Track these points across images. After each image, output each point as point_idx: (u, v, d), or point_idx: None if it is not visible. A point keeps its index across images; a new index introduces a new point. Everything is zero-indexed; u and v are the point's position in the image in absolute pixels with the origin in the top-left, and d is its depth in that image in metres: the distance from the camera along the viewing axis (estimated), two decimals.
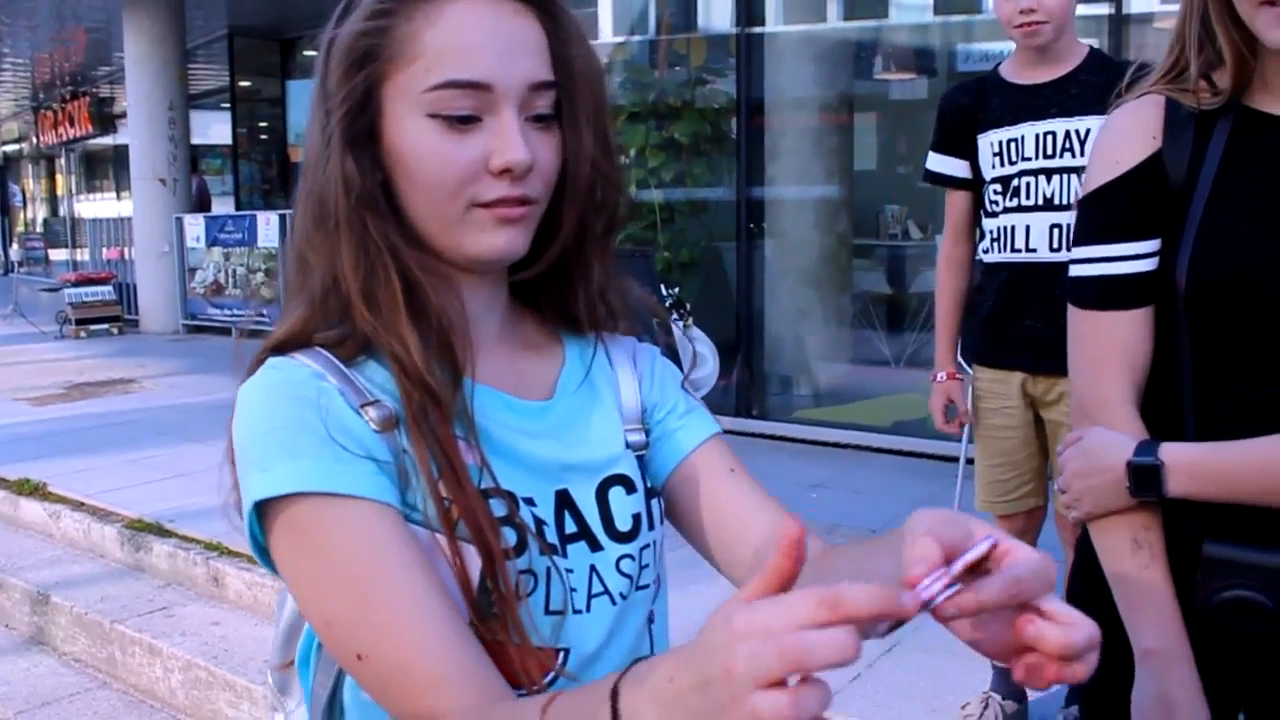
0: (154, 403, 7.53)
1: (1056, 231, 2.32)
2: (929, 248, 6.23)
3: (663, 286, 5.24)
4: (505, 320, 1.03)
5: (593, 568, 0.95)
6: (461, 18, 0.91)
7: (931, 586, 0.60)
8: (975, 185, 2.48)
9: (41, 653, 4.10)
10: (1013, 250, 2.38)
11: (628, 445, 1.02)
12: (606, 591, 0.95)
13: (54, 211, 23.66)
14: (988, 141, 2.40)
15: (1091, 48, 2.40)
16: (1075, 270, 1.29)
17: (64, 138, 20.40)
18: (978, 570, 0.63)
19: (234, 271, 10.96)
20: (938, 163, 2.55)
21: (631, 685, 0.64)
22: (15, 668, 3.97)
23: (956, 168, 2.50)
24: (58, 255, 20.58)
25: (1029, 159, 2.34)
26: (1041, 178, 2.32)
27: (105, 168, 20.80)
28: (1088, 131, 2.28)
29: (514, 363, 1.01)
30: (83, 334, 11.40)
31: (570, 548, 0.95)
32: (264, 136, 15.27)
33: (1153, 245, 1.23)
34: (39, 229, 23.39)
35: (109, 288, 11.88)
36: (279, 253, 10.50)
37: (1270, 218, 1.17)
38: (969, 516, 0.67)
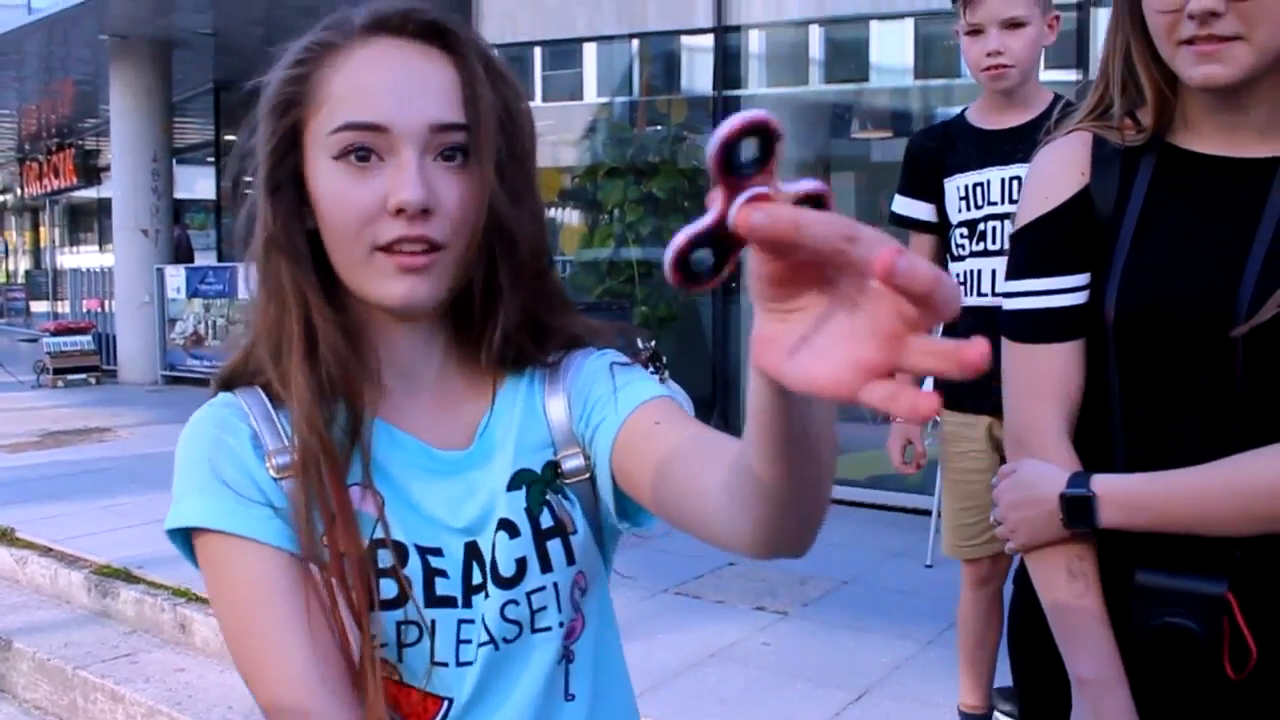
0: (128, 451, 7.48)
1: None
2: None
3: (639, 340, 5.27)
4: (443, 365, 1.03)
5: (482, 618, 0.97)
6: (365, 62, 0.94)
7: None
8: (940, 229, 2.51)
9: (1, 700, 4.03)
10: (979, 294, 2.41)
11: (560, 473, 1.01)
12: (493, 642, 0.97)
13: (36, 263, 23.63)
14: (954, 185, 2.44)
15: (1056, 94, 2.44)
16: (1008, 304, 1.31)
17: (49, 189, 20.44)
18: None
19: (214, 323, 10.95)
20: (904, 205, 2.58)
21: None
22: None
23: (922, 211, 2.54)
24: (39, 307, 20.53)
25: (995, 203, 2.37)
26: (1007, 222, 2.36)
27: (89, 220, 20.84)
28: None
29: (442, 410, 1.02)
30: (60, 383, 11.34)
31: (475, 598, 0.97)
32: (249, 191, 15.32)
33: (1083, 279, 1.25)
34: (20, 280, 23.34)
35: (88, 337, 11.84)
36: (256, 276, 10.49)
37: (1192, 252, 1.19)
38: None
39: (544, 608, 0.98)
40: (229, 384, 1.01)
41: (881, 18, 6.39)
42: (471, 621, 0.97)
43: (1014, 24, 2.32)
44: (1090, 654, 1.20)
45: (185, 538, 0.95)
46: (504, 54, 6.84)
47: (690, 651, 3.53)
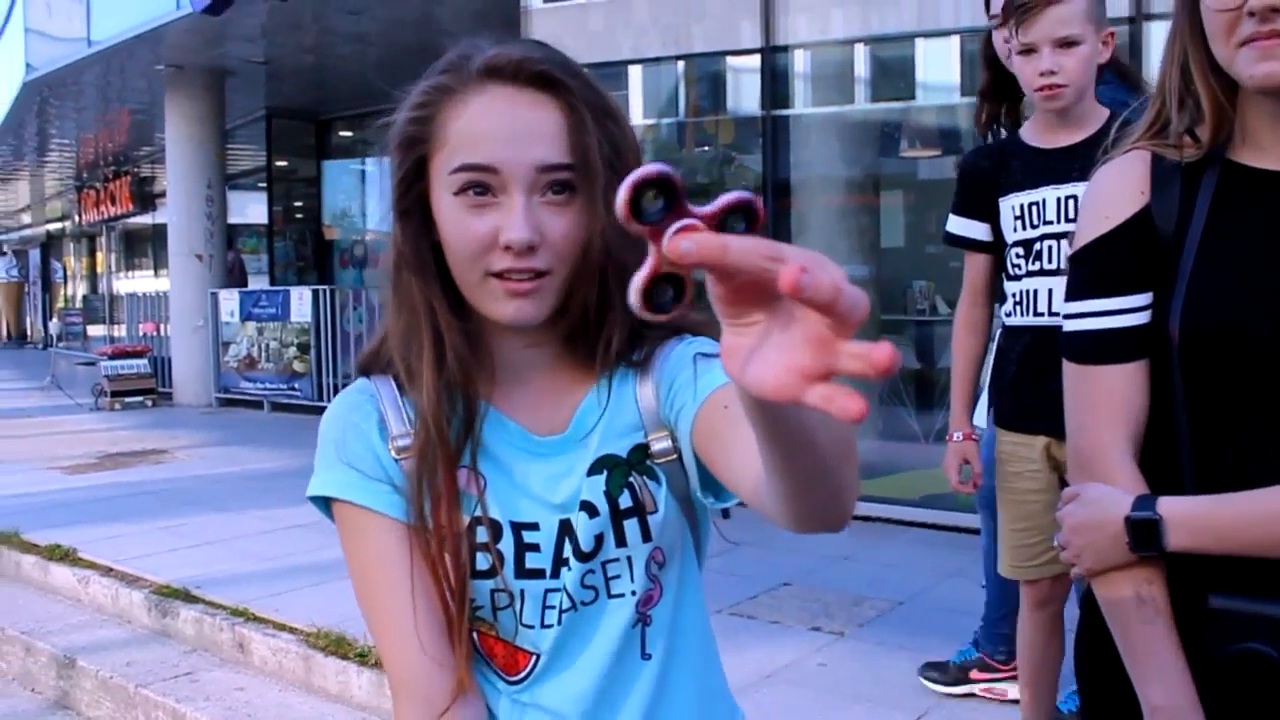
0: (185, 473, 7.60)
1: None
2: None
3: None
4: (551, 364, 1.14)
5: (564, 587, 1.10)
6: (480, 108, 1.04)
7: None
8: (995, 248, 2.50)
9: (66, 717, 4.10)
10: (1035, 314, 2.39)
11: (651, 455, 1.11)
12: (574, 605, 1.10)
13: (93, 288, 24.06)
14: (1009, 205, 2.43)
15: (1112, 111, 2.42)
16: (1069, 325, 1.29)
17: (105, 216, 20.81)
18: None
19: (267, 346, 11.10)
20: (958, 225, 2.57)
21: None
22: None
23: (977, 230, 2.52)
24: (95, 331, 20.89)
25: (1050, 222, 2.36)
26: (1064, 241, 2.33)
27: (144, 245, 21.17)
28: None
29: (546, 400, 1.14)
30: (117, 406, 11.54)
31: (562, 569, 1.10)
32: (299, 215, 15.55)
33: (1145, 299, 1.24)
34: (78, 305, 23.77)
35: (144, 361, 12.05)
36: (311, 328, 10.64)
37: (1259, 269, 1.18)
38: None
39: (618, 576, 1.11)
40: (366, 370, 1.17)
41: (927, 35, 6.37)
42: (557, 590, 1.10)
43: (1068, 43, 2.29)
44: (1162, 681, 1.18)
45: (325, 503, 1.13)
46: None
47: (746, 672, 3.52)
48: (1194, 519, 1.16)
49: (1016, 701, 2.96)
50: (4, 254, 27.66)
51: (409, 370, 1.10)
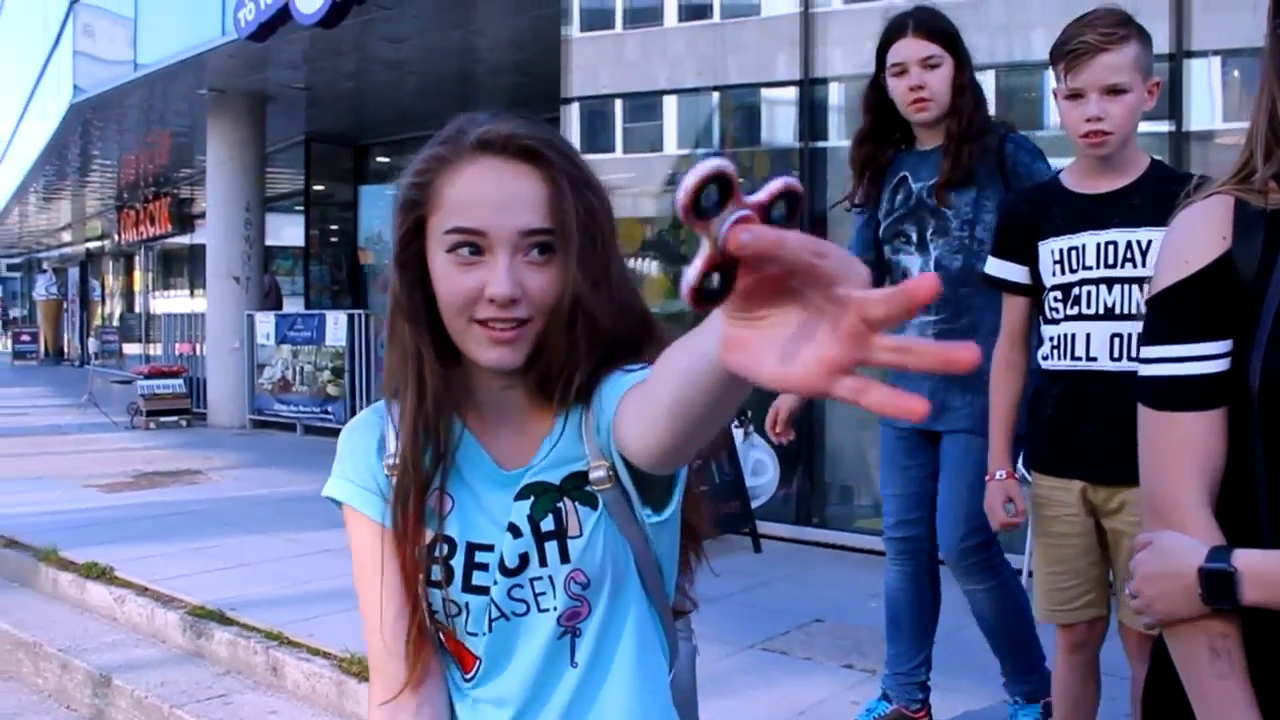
0: (219, 494, 7.67)
1: (1117, 341, 2.33)
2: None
3: None
4: (522, 403, 1.28)
5: (491, 598, 1.25)
6: (472, 177, 1.19)
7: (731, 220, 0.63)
8: (1034, 291, 2.51)
9: None
10: (1073, 358, 2.40)
11: (589, 482, 1.23)
12: (504, 615, 1.25)
13: (129, 307, 24.34)
14: (1048, 249, 2.44)
15: (1154, 159, 2.43)
16: (1145, 370, 1.28)
17: (144, 236, 21.09)
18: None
19: (301, 369, 11.19)
20: (997, 267, 2.58)
21: None
22: None
23: (1016, 273, 2.54)
24: (131, 349, 21.11)
25: (1090, 268, 2.36)
26: (1103, 287, 2.34)
27: (180, 266, 21.41)
28: (1149, 243, 2.29)
29: (518, 434, 1.29)
30: (152, 425, 11.66)
31: (494, 586, 1.25)
32: (334, 239, 15.70)
33: (1224, 346, 1.22)
34: (115, 323, 24.03)
35: (180, 381, 12.18)
36: (345, 351, 10.72)
37: None
38: None
39: (544, 593, 1.24)
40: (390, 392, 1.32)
41: None
42: (491, 603, 1.25)
43: (1115, 90, 2.30)
44: None
45: (338, 503, 1.33)
46: (586, 106, 6.91)
47: (779, 710, 3.52)
48: (1270, 573, 1.13)
49: None
50: (44, 272, 28.02)
51: (401, 408, 1.26)
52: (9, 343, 28.46)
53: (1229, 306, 1.22)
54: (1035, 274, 2.49)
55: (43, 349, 26.07)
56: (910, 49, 2.91)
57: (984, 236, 2.89)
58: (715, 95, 7.19)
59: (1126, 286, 2.32)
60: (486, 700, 1.29)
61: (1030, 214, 2.49)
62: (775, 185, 0.65)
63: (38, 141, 17.51)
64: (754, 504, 5.97)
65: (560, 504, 1.24)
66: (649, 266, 8.12)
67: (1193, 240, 1.25)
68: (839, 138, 6.58)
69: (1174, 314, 1.26)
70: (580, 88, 7.56)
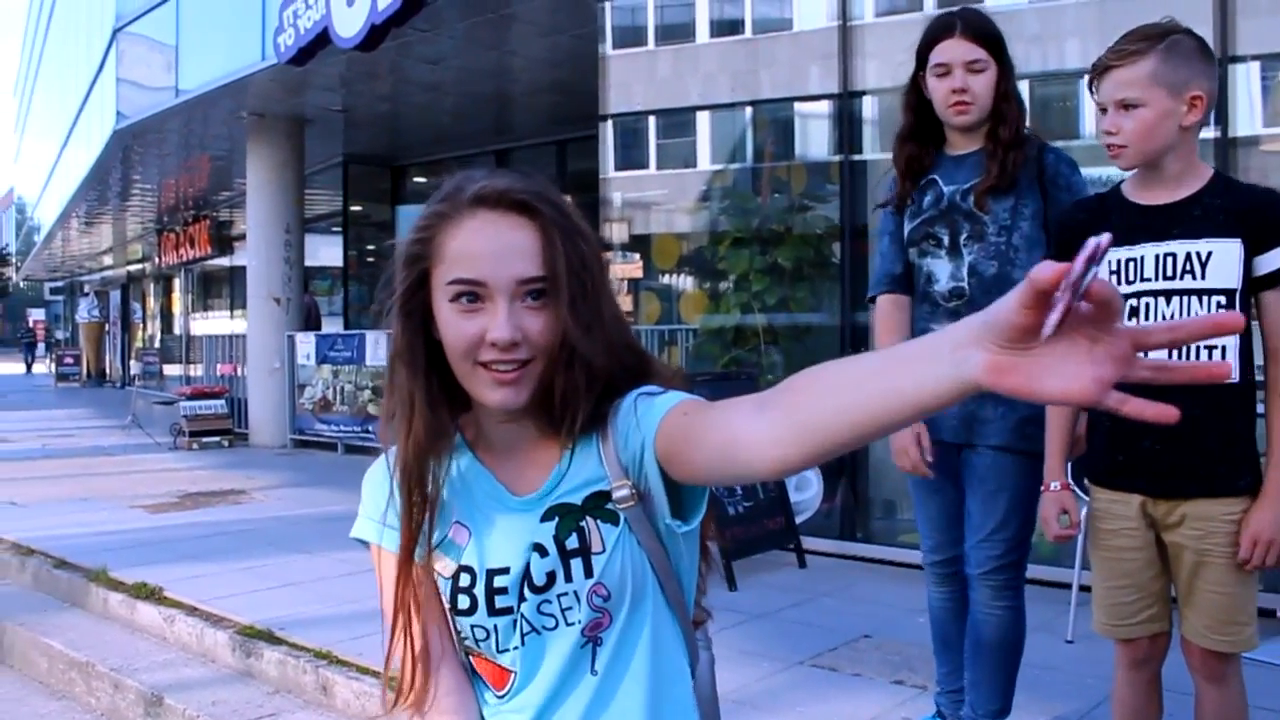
0: (264, 513, 7.72)
1: (1176, 354, 2.31)
2: None
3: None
4: (532, 435, 1.37)
5: (522, 614, 1.32)
6: (470, 231, 1.28)
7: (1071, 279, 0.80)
8: None
9: None
10: None
11: (612, 500, 1.31)
12: (535, 630, 1.32)
13: (169, 329, 24.63)
14: (1106, 260, 2.42)
15: (1215, 170, 2.41)
16: None
17: (184, 259, 21.35)
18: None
19: (342, 389, 11.27)
20: None
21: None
22: None
23: None
24: (171, 370, 21.34)
25: (1149, 280, 2.34)
26: (1161, 299, 2.32)
27: (219, 287, 21.67)
28: (1209, 254, 2.28)
29: (529, 464, 1.38)
30: (195, 445, 11.77)
31: (523, 603, 1.33)
32: (372, 259, 15.82)
33: None
34: (156, 345, 24.31)
35: (221, 402, 12.29)
36: (386, 370, 10.76)
37: None
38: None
39: (570, 607, 1.32)
40: None
41: None
42: (521, 618, 1.33)
43: (1126, 105, 2.32)
44: None
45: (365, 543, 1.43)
46: (621, 123, 6.92)
47: None
48: None
49: None
50: (86, 295, 28.43)
51: (399, 453, 1.35)
52: (53, 365, 28.83)
53: None
54: None
55: (85, 371, 26.40)
56: (956, 50, 2.86)
57: (1020, 244, 2.86)
58: (750, 110, 7.20)
59: (1186, 298, 2.30)
60: (517, 713, 1.36)
61: (1088, 223, 2.48)
62: (1096, 243, 0.82)
63: (81, 168, 17.79)
64: (798, 519, 5.95)
65: (583, 523, 1.33)
66: (684, 282, 8.12)
67: None
68: (878, 150, 6.57)
69: None
70: (615, 105, 7.60)
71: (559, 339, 1.28)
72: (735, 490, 5.44)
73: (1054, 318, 0.81)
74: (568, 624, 1.32)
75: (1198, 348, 2.27)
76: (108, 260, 30.57)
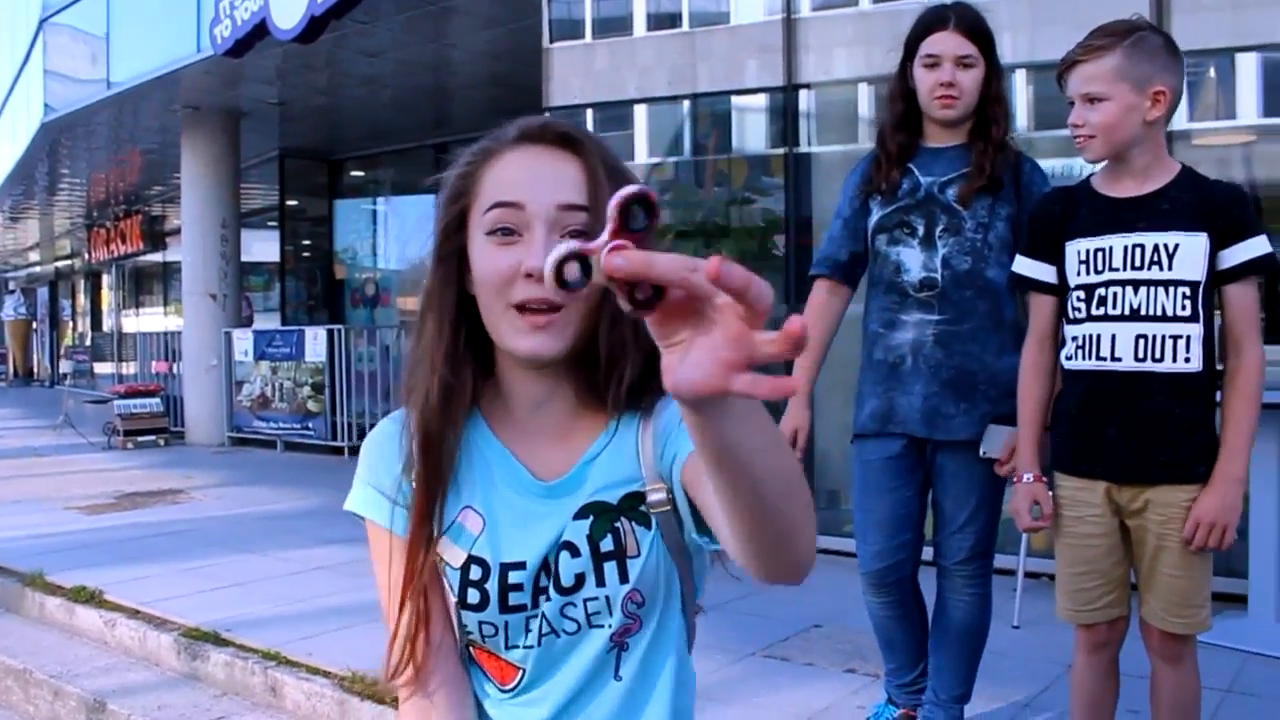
0: (204, 513, 7.59)
1: (1142, 342, 2.35)
2: None
3: None
4: (565, 408, 1.27)
5: (543, 614, 1.24)
6: (512, 160, 1.22)
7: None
8: (1061, 291, 2.53)
9: None
10: (1097, 358, 2.41)
11: (646, 503, 1.22)
12: (554, 632, 1.24)
13: (100, 326, 24.13)
14: (1074, 249, 2.46)
15: (1184, 165, 2.46)
16: None
17: (115, 254, 20.91)
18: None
19: (281, 385, 11.11)
20: (1025, 266, 2.59)
21: None
22: None
23: (1044, 272, 2.55)
24: (102, 369, 20.91)
25: (1116, 269, 2.38)
26: (1129, 288, 2.36)
27: (150, 283, 21.26)
28: (1176, 246, 2.33)
29: (557, 443, 1.27)
30: (130, 445, 11.54)
31: (540, 599, 1.24)
32: (306, 254, 15.62)
33: None
34: (87, 343, 23.81)
35: (157, 400, 12.06)
36: (325, 367, 10.65)
37: None
38: None
39: (598, 612, 1.24)
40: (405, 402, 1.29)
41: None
42: (536, 617, 1.24)
43: (1091, 99, 2.37)
44: None
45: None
46: (562, 114, 6.87)
47: (785, 714, 3.51)
48: None
49: None
50: (12, 291, 27.74)
51: (416, 413, 1.25)
52: None
53: None
54: (1062, 274, 2.51)
55: (11, 370, 25.78)
56: (948, 43, 2.86)
57: (994, 243, 2.88)
58: (693, 103, 7.20)
59: (1152, 289, 2.35)
60: (528, 712, 1.28)
61: (1059, 214, 2.52)
62: (625, 191, 0.75)
63: (6, 162, 17.33)
64: None
65: (619, 524, 1.23)
66: None
67: None
68: (823, 143, 6.61)
69: None
70: (557, 98, 7.55)
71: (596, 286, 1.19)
72: None
73: (548, 263, 0.79)
74: (592, 627, 1.25)
75: (1163, 338, 2.33)
76: (34, 256, 29.84)
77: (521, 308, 1.17)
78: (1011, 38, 5.87)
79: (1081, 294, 2.44)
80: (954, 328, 2.89)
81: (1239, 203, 2.40)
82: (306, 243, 15.68)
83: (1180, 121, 5.25)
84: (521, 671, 1.27)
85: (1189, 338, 2.32)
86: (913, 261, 2.94)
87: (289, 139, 13.77)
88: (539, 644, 1.25)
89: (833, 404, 6.33)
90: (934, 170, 2.94)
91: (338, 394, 10.65)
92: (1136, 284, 2.36)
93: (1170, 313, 2.33)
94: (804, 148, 6.43)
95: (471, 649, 1.31)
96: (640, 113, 7.62)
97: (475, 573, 1.24)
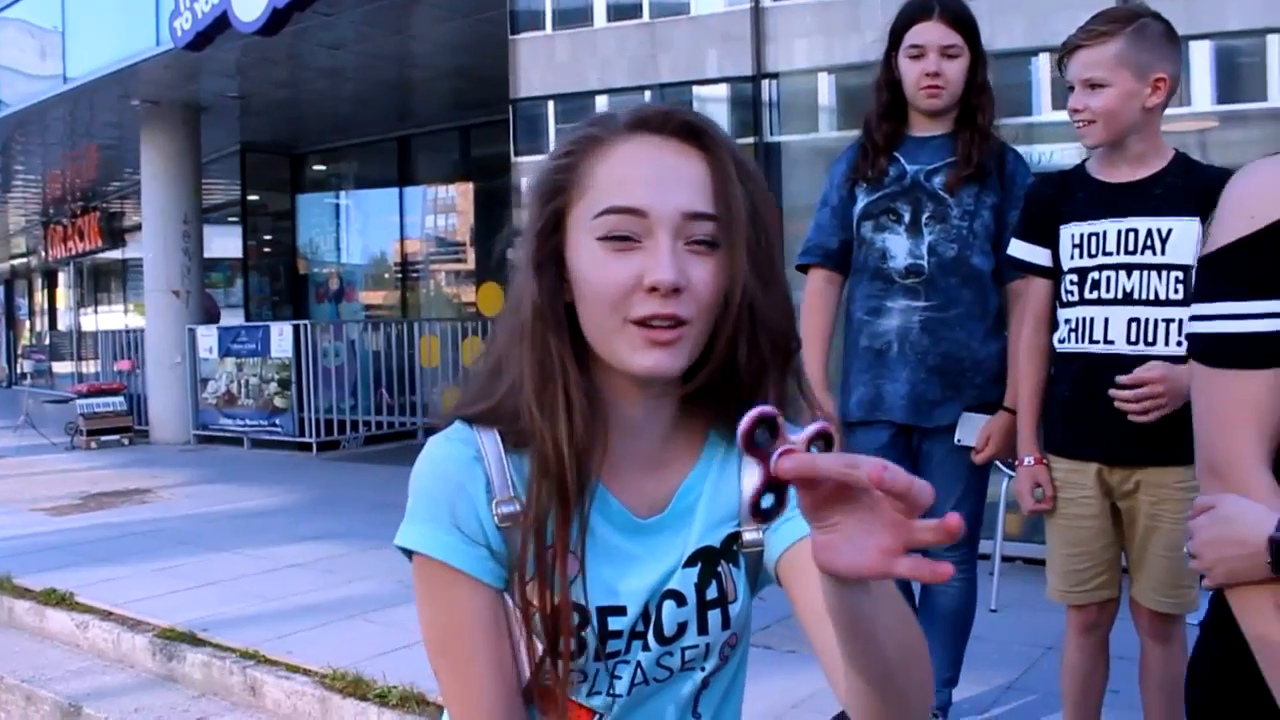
0: (173, 512, 7.50)
1: (1135, 325, 2.37)
2: None
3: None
4: (658, 434, 1.14)
5: (639, 664, 1.12)
6: (627, 154, 1.05)
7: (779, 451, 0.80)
8: (1056, 274, 2.54)
9: None
10: (1090, 341, 2.43)
11: (706, 555, 1.13)
12: (645, 681, 1.13)
13: (57, 325, 23.80)
14: (1069, 233, 2.47)
15: (1177, 151, 2.47)
16: (1199, 327, 1.26)
17: (72, 252, 20.62)
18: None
19: (247, 382, 11.01)
20: (1020, 249, 2.60)
21: None
22: None
23: (1039, 255, 2.56)
24: (61, 368, 20.62)
25: (1110, 254, 2.40)
26: (1122, 273, 2.38)
27: (109, 281, 20.98)
28: (1169, 231, 2.35)
29: (650, 473, 1.14)
30: (94, 445, 11.39)
31: (635, 644, 1.12)
32: (268, 250, 15.48)
33: None
34: (46, 341, 23.47)
35: (120, 398, 11.91)
36: (292, 363, 10.56)
37: None
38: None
39: (695, 659, 1.14)
40: (474, 419, 1.12)
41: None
42: (627, 663, 1.12)
43: (1092, 84, 2.38)
44: None
45: (407, 549, 1.10)
46: (522, 108, 6.80)
47: (773, 702, 3.53)
48: None
49: None
50: None
51: (535, 431, 1.06)
52: None
53: None
54: (1057, 257, 2.52)
55: None
56: (933, 33, 2.85)
57: (980, 231, 2.88)
58: (662, 94, 7.18)
59: (1145, 273, 2.36)
60: None
61: (1054, 197, 2.54)
62: (811, 430, 0.82)
63: None
64: None
65: (720, 568, 1.14)
66: None
67: (1258, 196, 1.23)
68: (791, 132, 6.63)
69: (1237, 270, 1.23)
70: (523, 89, 7.51)
71: (724, 296, 1.04)
72: None
73: (745, 492, 0.84)
74: (684, 671, 1.15)
75: (1155, 322, 2.34)
76: None
77: (641, 322, 1.03)
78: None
79: (1075, 277, 2.46)
80: (940, 314, 2.89)
81: None
82: (269, 238, 15.54)
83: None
84: (598, 716, 1.14)
85: (1181, 321, 2.33)
86: (899, 248, 2.94)
87: (250, 133, 13.63)
88: (628, 693, 1.13)
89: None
90: (920, 159, 2.94)
91: (304, 390, 10.56)
92: (1129, 268, 2.38)
93: (1163, 296, 2.35)
94: (772, 136, 6.43)
95: (534, 694, 1.13)
96: (602, 105, 7.59)
97: (576, 618, 1.08)
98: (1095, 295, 2.41)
